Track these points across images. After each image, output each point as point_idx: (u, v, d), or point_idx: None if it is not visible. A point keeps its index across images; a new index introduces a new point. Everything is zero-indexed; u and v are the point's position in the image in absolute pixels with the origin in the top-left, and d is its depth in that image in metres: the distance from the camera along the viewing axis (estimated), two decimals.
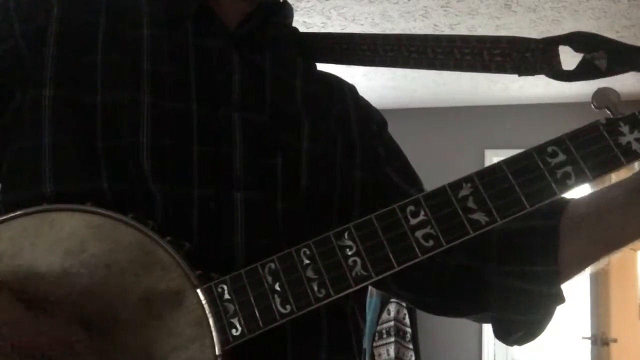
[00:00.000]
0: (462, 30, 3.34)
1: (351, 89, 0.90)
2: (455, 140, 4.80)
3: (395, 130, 0.91)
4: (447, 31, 3.35)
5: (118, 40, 0.73)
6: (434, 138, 4.82)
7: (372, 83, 4.28)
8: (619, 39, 0.73)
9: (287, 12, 0.86)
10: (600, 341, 3.79)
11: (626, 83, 3.44)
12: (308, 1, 3.07)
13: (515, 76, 0.78)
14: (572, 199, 0.79)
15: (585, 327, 4.02)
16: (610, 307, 3.83)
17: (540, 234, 0.77)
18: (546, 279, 0.76)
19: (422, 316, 4.33)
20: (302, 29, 0.91)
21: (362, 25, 3.35)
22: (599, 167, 0.64)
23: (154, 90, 0.71)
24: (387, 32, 3.39)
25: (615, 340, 3.77)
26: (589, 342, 3.88)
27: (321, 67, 0.90)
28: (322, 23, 3.34)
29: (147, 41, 0.74)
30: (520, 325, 0.80)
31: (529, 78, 0.78)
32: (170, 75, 0.73)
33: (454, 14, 3.16)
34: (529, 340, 0.81)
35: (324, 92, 0.85)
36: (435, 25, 3.31)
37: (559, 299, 0.77)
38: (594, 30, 0.79)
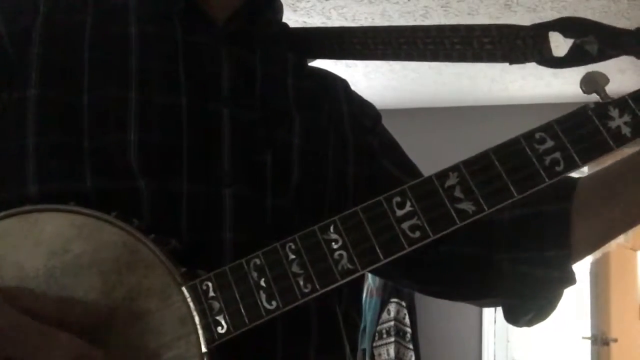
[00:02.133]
0: None
1: (344, 84, 0.89)
2: (455, 140, 4.79)
3: (395, 130, 0.91)
4: None
5: (105, 38, 0.73)
6: (434, 138, 4.82)
7: (372, 83, 4.28)
8: None
9: (276, 7, 0.85)
10: (600, 341, 3.79)
11: (623, 83, 3.45)
12: (308, 1, 3.07)
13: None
14: (581, 178, 0.78)
15: (585, 327, 4.02)
16: (610, 307, 3.83)
17: (551, 218, 0.76)
18: (558, 264, 0.75)
19: (422, 316, 4.33)
20: None
21: (362, 25, 3.35)
22: (588, 152, 0.63)
23: (142, 87, 0.71)
24: None
25: (615, 340, 3.77)
26: (589, 342, 3.88)
27: (315, 62, 0.89)
28: (322, 23, 3.34)
29: (135, 38, 0.73)
30: (530, 308, 0.79)
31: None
32: (159, 72, 0.72)
33: (454, 14, 3.17)
34: (539, 322, 0.81)
35: (316, 87, 0.85)
36: None
37: (571, 280, 0.76)
38: None
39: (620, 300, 3.89)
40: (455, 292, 0.87)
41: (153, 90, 0.71)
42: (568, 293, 0.78)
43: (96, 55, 0.71)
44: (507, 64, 0.79)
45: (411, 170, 0.87)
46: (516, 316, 0.81)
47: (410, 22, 3.28)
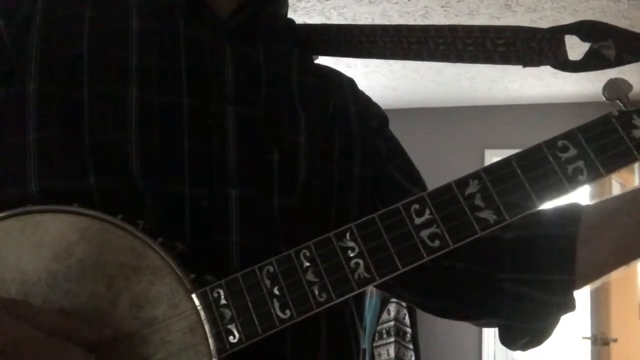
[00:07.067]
0: None
1: (350, 82, 0.86)
2: (455, 140, 4.79)
3: (395, 130, 0.90)
4: None
5: (105, 32, 0.71)
6: (434, 138, 4.82)
7: (372, 83, 4.27)
8: None
9: (281, 2, 0.82)
10: (600, 341, 3.79)
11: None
12: (308, 1, 3.07)
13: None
14: (589, 205, 0.77)
15: (585, 327, 4.01)
16: (610, 307, 3.82)
17: (557, 242, 0.75)
18: (560, 289, 0.74)
19: (422, 316, 4.32)
20: None
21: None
22: (611, 162, 0.61)
23: (142, 84, 0.68)
24: None
25: (615, 340, 3.77)
26: (589, 342, 3.87)
27: (320, 60, 0.86)
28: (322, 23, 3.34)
29: (136, 34, 0.71)
30: (526, 332, 0.78)
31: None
32: (160, 69, 0.70)
33: (454, 14, 3.16)
34: (534, 346, 0.80)
35: (321, 85, 0.82)
36: None
37: (570, 308, 0.75)
38: None
39: (620, 300, 3.88)
40: (457, 309, 0.85)
41: (154, 88, 0.69)
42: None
43: (95, 49, 0.69)
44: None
45: (416, 178, 0.85)
46: (512, 339, 0.80)
47: (410, 22, 3.28)
